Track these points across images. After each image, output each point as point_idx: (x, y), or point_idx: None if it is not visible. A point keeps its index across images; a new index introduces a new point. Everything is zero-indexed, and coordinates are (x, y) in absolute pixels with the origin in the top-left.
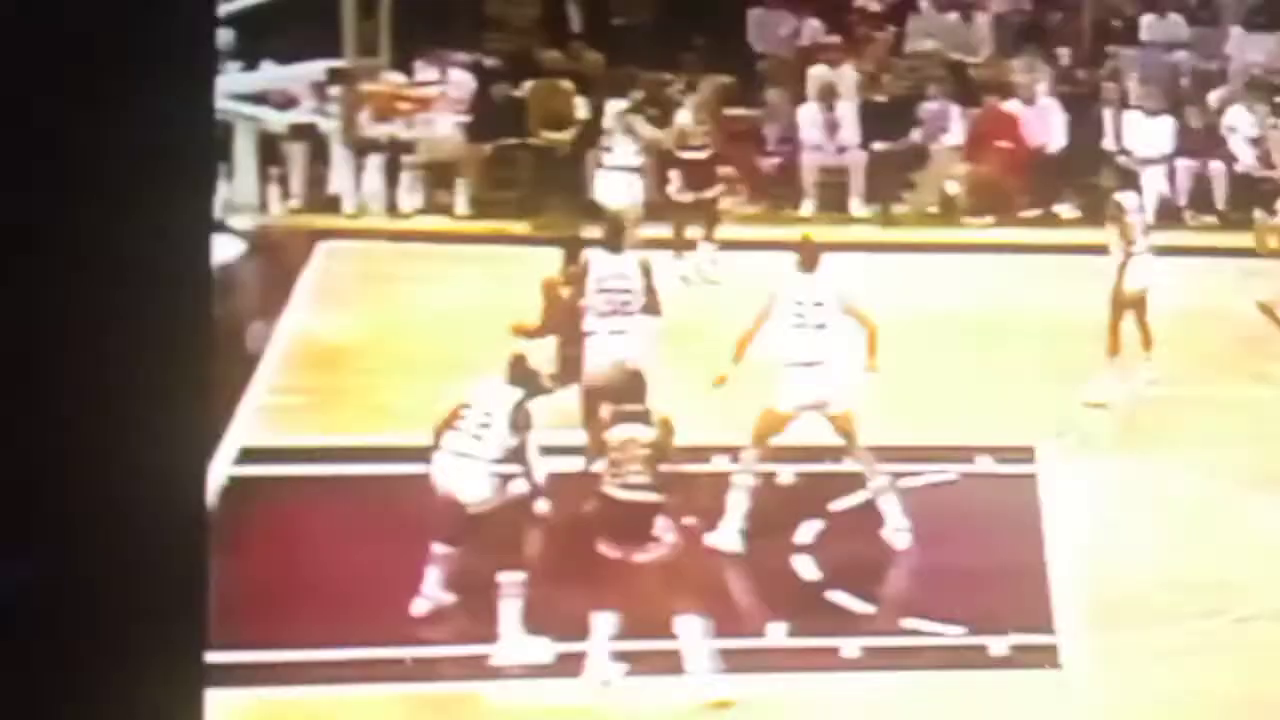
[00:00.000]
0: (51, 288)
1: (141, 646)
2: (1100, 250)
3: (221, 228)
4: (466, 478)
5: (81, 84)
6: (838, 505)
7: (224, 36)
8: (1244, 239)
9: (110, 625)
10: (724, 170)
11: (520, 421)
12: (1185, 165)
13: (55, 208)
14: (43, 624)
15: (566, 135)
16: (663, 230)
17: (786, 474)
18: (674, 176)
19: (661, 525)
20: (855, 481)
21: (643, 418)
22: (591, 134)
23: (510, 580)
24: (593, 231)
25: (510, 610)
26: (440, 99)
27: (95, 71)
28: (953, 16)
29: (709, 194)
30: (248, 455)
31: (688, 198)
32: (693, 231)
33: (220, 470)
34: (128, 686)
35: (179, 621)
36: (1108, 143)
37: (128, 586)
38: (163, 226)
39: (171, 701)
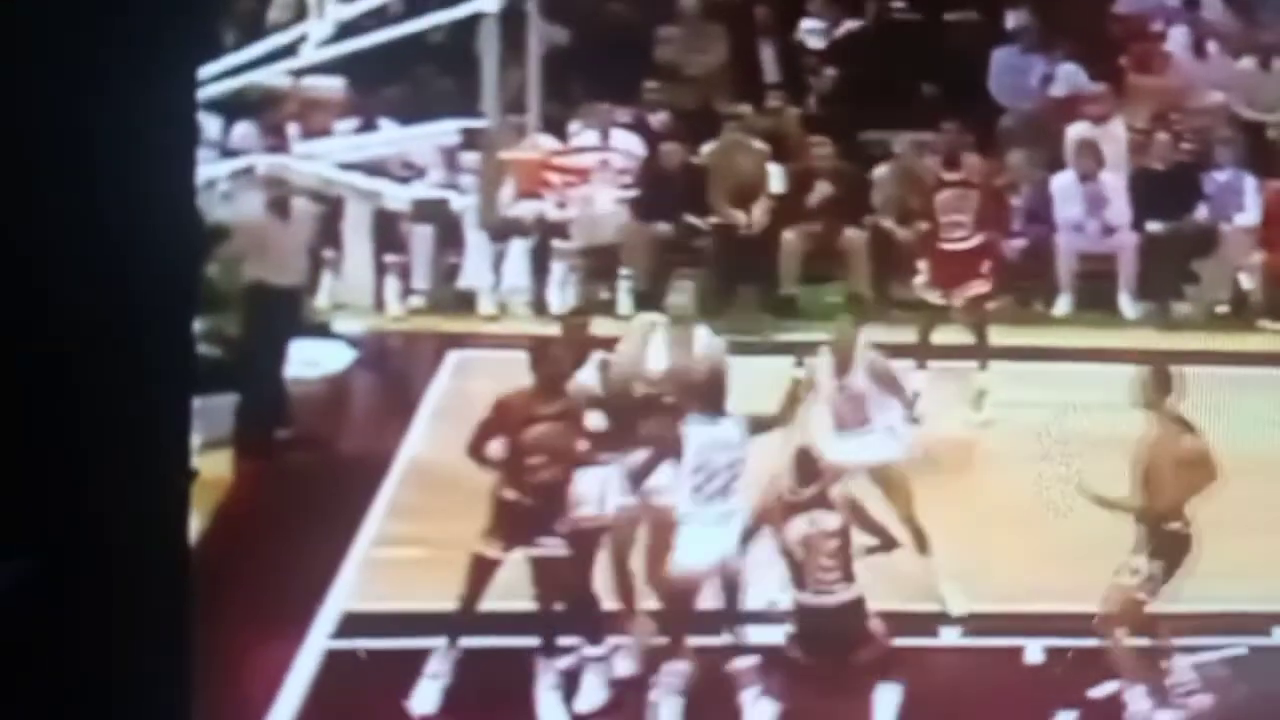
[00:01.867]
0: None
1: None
2: None
3: (326, 331)
4: None
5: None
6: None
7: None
8: None
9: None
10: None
11: None
12: None
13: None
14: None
15: (758, 211)
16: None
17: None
18: (923, 267)
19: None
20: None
21: (821, 502)
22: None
23: None
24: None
25: None
26: (601, 168)
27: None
28: (1247, 63)
29: (975, 290)
30: (352, 623)
31: (937, 295)
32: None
33: (318, 641)
34: None
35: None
36: None
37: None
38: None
39: None
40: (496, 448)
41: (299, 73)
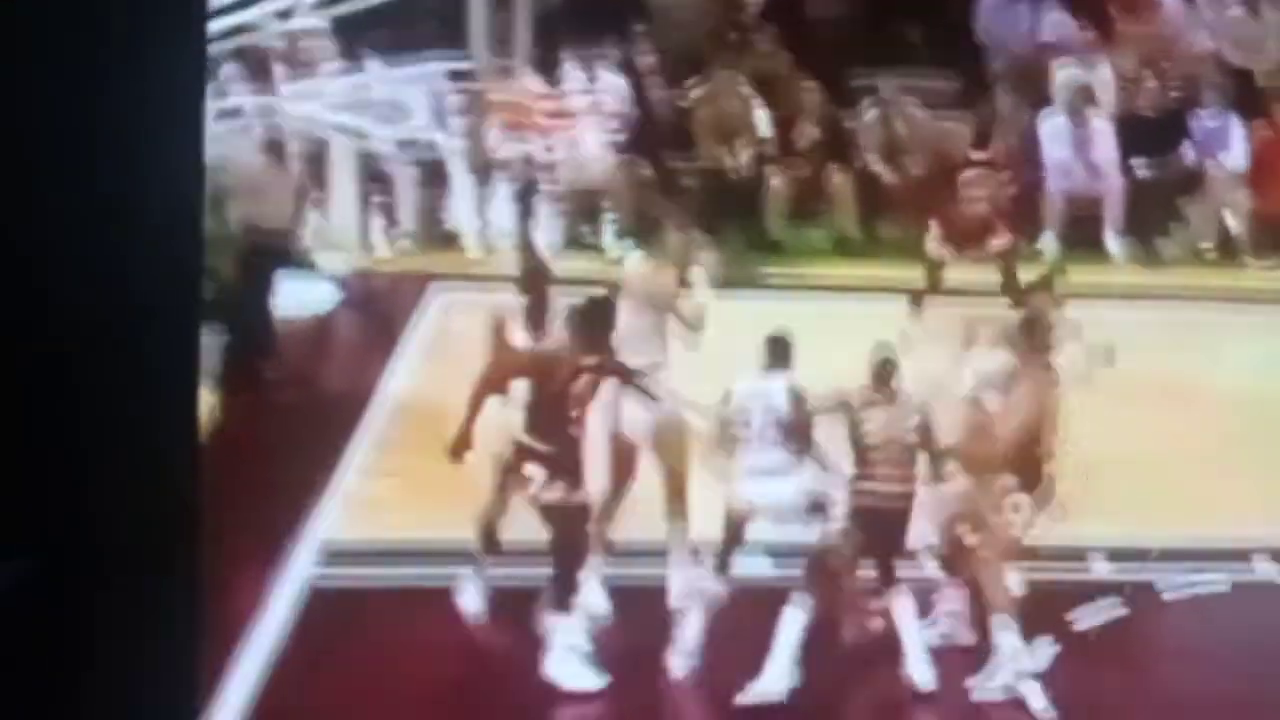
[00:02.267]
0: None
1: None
2: None
3: (312, 270)
4: None
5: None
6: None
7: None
8: None
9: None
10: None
11: None
12: None
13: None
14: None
15: (744, 154)
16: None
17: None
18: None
19: None
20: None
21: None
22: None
23: None
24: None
25: None
26: (588, 110)
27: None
28: (1235, 10)
29: (998, 244)
30: (334, 556)
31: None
32: None
33: (299, 572)
34: None
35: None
36: None
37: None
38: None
39: None
40: (517, 396)
41: (285, 14)
